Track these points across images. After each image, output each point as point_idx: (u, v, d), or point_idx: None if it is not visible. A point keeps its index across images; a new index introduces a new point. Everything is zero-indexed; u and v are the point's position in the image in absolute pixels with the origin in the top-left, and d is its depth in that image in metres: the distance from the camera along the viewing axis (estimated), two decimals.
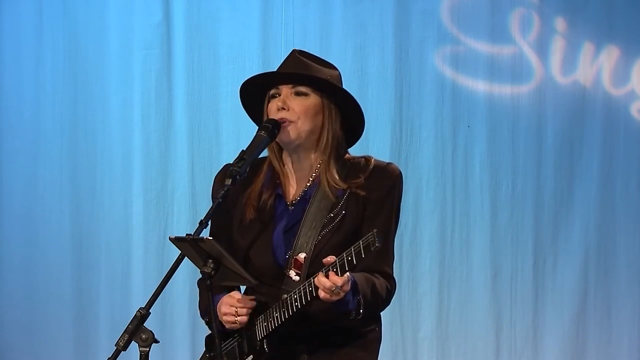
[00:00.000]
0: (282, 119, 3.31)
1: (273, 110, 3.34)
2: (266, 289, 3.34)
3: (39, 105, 5.83)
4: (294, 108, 3.32)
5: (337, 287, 3.07)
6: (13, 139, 5.83)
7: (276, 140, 3.35)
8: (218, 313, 3.33)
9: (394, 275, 3.39)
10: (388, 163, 3.40)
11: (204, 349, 3.48)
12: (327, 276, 3.08)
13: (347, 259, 3.05)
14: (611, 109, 5.89)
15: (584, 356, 5.87)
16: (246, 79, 3.41)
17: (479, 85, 5.88)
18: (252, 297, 3.32)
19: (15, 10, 5.82)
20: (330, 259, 3.10)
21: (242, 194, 3.40)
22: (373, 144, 5.64)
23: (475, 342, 5.85)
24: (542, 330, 5.87)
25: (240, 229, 3.39)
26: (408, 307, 5.80)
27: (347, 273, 3.09)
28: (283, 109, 3.31)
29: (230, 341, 3.37)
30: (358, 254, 3.04)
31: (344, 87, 3.41)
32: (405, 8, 5.84)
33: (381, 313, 3.44)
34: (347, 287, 3.11)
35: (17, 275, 5.83)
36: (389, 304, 3.38)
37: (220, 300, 3.34)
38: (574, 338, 5.87)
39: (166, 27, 5.82)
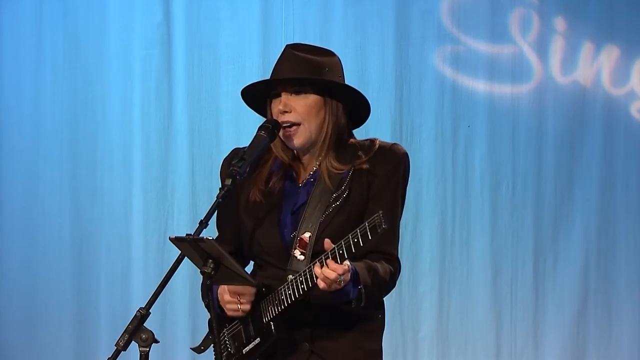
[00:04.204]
0: (286, 121, 3.30)
1: (275, 112, 3.33)
2: (270, 270, 3.34)
3: (39, 105, 5.84)
4: (296, 109, 3.30)
5: (338, 276, 3.03)
6: (13, 139, 5.83)
7: (287, 146, 3.34)
8: (220, 299, 3.30)
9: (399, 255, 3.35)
10: (393, 143, 3.37)
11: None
12: (326, 265, 3.04)
13: (353, 241, 3.00)
14: (611, 109, 5.89)
15: (584, 356, 5.87)
16: (244, 87, 3.39)
17: (479, 85, 5.88)
18: (254, 284, 3.27)
19: (15, 10, 5.82)
20: (329, 244, 3.06)
21: (250, 175, 3.38)
22: None
23: (475, 342, 5.85)
24: (542, 330, 5.87)
25: (247, 209, 3.38)
26: (408, 307, 5.80)
27: (347, 262, 3.05)
28: (285, 112, 3.30)
29: (235, 324, 3.36)
30: (364, 235, 2.98)
31: (344, 70, 3.41)
32: (405, 8, 5.84)
33: (385, 302, 3.40)
34: (348, 277, 3.07)
35: (17, 275, 5.83)
36: (394, 286, 3.33)
37: (222, 287, 3.30)
38: (574, 338, 5.87)
39: (166, 27, 5.82)
